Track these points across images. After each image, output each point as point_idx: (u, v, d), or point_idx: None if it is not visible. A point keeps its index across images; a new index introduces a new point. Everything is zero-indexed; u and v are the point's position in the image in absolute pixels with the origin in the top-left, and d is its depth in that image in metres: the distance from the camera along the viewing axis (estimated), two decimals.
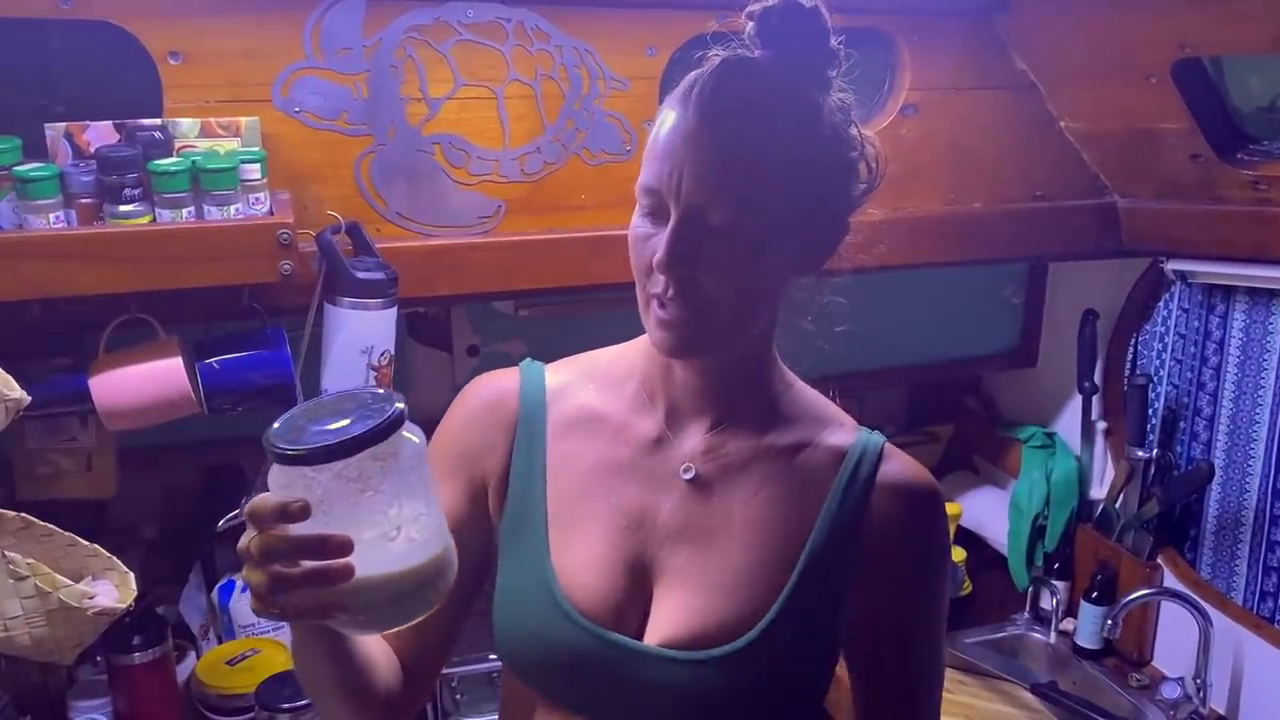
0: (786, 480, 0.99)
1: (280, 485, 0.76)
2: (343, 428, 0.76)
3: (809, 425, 1.02)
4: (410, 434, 0.80)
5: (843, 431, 1.03)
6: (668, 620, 0.96)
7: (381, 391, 0.81)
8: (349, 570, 0.75)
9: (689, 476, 1.00)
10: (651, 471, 1.01)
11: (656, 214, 0.91)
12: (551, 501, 1.02)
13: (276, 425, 0.78)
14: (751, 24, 0.93)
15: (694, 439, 1.01)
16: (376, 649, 1.00)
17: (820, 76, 0.93)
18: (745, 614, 0.95)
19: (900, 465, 1.02)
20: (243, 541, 0.77)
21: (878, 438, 1.03)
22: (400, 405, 0.78)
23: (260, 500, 0.76)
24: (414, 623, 0.82)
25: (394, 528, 0.78)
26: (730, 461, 1.00)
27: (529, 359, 1.11)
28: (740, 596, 0.95)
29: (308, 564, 0.75)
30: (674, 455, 1.01)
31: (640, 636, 0.97)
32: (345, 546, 0.74)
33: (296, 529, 0.74)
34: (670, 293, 0.90)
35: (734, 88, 0.89)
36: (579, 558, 0.99)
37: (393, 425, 0.76)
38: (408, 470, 0.79)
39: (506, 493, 1.03)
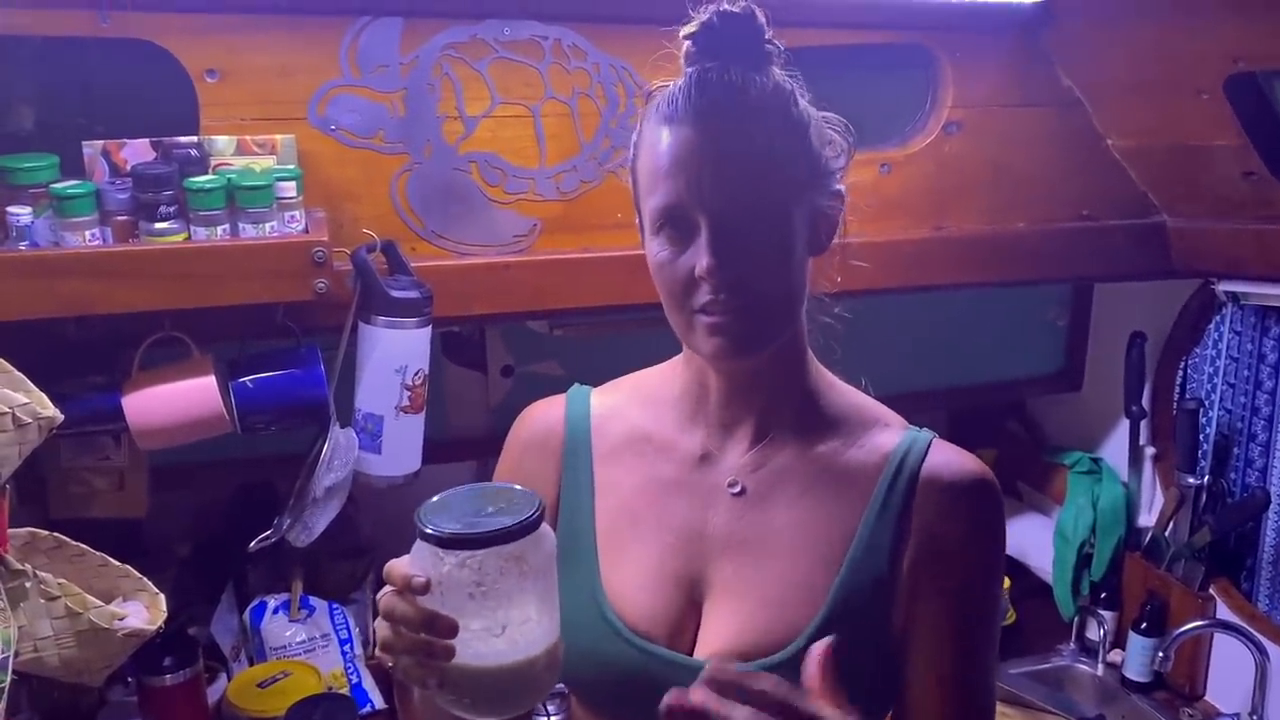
0: (830, 484, 0.98)
1: (417, 555, 0.82)
2: (476, 521, 0.81)
3: (853, 426, 1.02)
4: (537, 543, 0.83)
5: (889, 431, 1.01)
6: (716, 633, 0.97)
7: (527, 494, 0.85)
8: (450, 651, 0.80)
9: (735, 490, 1.00)
10: (698, 487, 1.02)
11: (679, 231, 0.92)
12: (600, 523, 1.04)
13: (434, 499, 0.84)
14: (689, 41, 0.94)
15: (738, 452, 1.02)
16: None
17: (764, 71, 0.94)
18: (790, 623, 0.94)
19: (947, 456, 0.99)
20: (380, 593, 0.84)
21: (926, 434, 1.01)
22: (534, 515, 0.82)
23: (395, 564, 0.83)
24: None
25: (500, 626, 0.82)
26: (775, 471, 1.00)
27: (576, 384, 1.13)
28: (785, 606, 0.95)
29: (419, 634, 0.81)
30: (720, 470, 1.02)
31: (693, 651, 0.97)
32: (450, 630, 0.80)
33: (419, 599, 0.81)
34: (722, 295, 0.90)
35: (717, 92, 0.91)
36: (629, 576, 1.00)
37: (520, 532, 0.81)
38: (526, 575, 0.82)
39: (557, 520, 1.05)
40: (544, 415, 1.11)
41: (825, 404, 1.03)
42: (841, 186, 0.99)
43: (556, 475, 1.07)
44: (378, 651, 0.84)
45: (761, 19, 0.94)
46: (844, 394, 1.05)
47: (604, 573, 1.01)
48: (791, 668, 0.92)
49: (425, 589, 0.80)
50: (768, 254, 0.91)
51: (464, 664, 0.81)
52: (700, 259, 0.89)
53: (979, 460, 1.00)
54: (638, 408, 1.08)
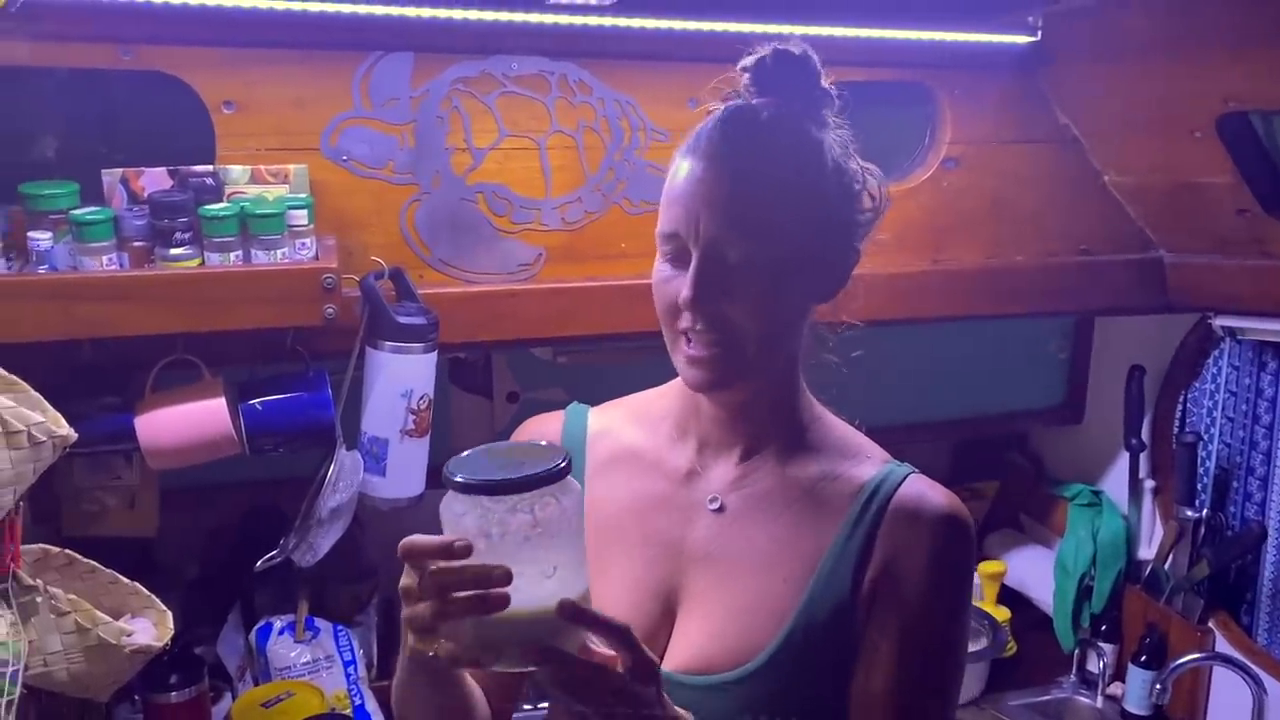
0: (806, 509, 1.01)
1: (455, 515, 0.82)
2: (521, 466, 0.81)
3: (834, 457, 1.04)
4: (572, 486, 0.85)
5: (869, 464, 1.04)
6: (684, 646, 1.00)
7: (545, 444, 0.87)
8: (505, 599, 0.79)
9: (714, 507, 1.03)
10: (681, 503, 1.05)
11: (677, 257, 0.96)
12: (589, 536, 1.04)
13: (453, 462, 0.83)
14: (746, 75, 0.98)
15: (722, 471, 1.05)
16: (475, 688, 1.05)
17: (816, 116, 0.98)
18: (753, 639, 0.97)
19: (919, 489, 1.00)
20: (403, 581, 0.83)
21: (905, 468, 1.03)
22: (568, 457, 0.83)
23: (416, 539, 0.81)
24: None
25: (551, 566, 0.83)
26: (755, 492, 1.03)
27: (575, 402, 1.17)
28: (750, 622, 0.98)
29: (467, 593, 0.79)
30: (703, 487, 1.05)
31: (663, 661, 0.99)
32: (506, 577, 0.79)
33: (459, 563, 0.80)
34: (699, 326, 0.94)
35: (737, 132, 0.95)
36: (610, 587, 1.03)
37: (567, 469, 0.82)
38: (571, 515, 0.84)
39: None
40: (541, 429, 1.14)
41: (812, 434, 1.05)
42: (860, 245, 1.01)
43: None
44: (416, 644, 0.83)
45: (816, 63, 0.97)
46: (832, 426, 1.07)
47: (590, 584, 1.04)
48: (752, 683, 0.96)
49: (468, 552, 0.79)
50: (751, 294, 0.93)
51: (519, 610, 0.80)
52: (685, 288, 0.93)
53: (953, 497, 1.01)
54: (632, 425, 1.11)
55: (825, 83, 0.98)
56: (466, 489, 0.81)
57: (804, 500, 1.02)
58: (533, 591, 0.81)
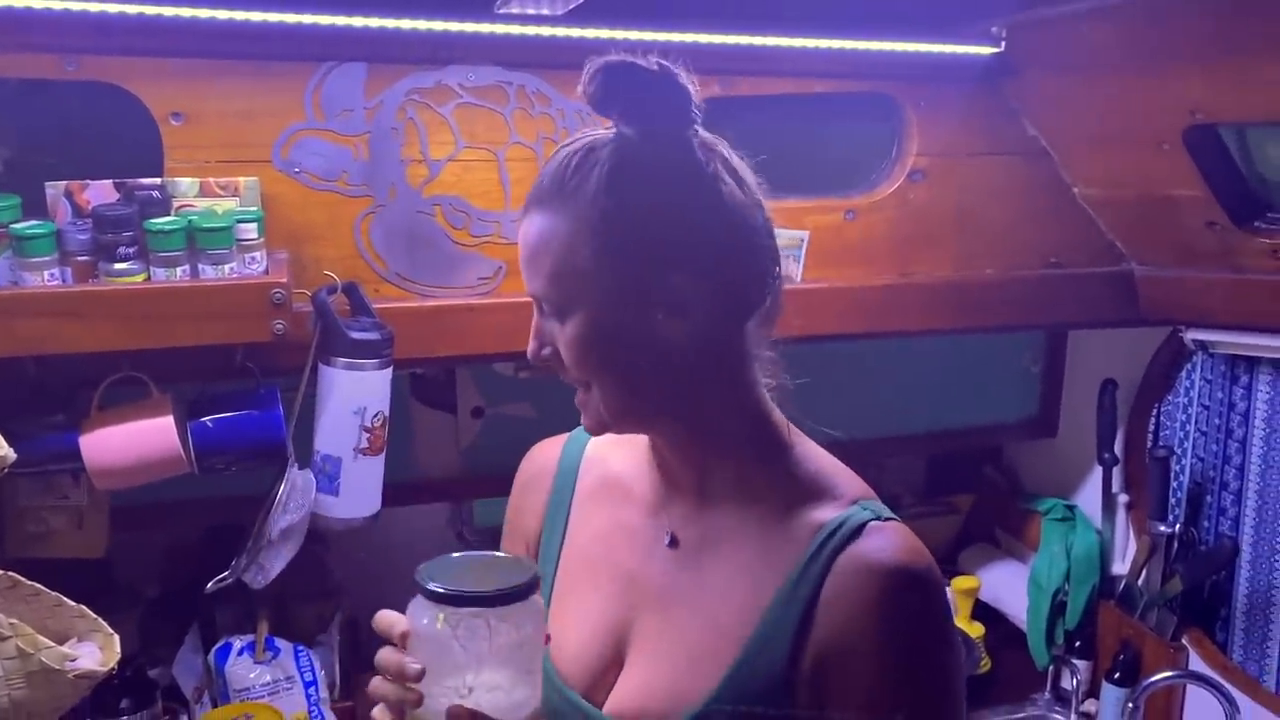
0: (757, 552, 0.93)
1: (413, 606, 0.86)
2: (479, 580, 0.85)
3: (800, 494, 0.93)
4: (518, 614, 0.85)
5: (834, 505, 0.91)
6: (626, 688, 0.96)
7: (529, 567, 0.89)
8: (417, 697, 0.83)
9: (667, 541, 0.99)
10: (645, 536, 1.01)
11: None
12: (563, 564, 1.04)
13: (452, 555, 0.89)
14: (585, 95, 0.87)
15: (681, 503, 1.00)
16: None
17: (680, 139, 0.88)
18: (691, 689, 0.92)
19: (877, 542, 0.87)
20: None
21: (864, 514, 0.89)
22: (517, 587, 0.84)
23: (381, 614, 0.87)
24: None
25: (466, 688, 0.84)
26: (710, 528, 0.97)
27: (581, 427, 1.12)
28: (687, 671, 0.93)
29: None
30: (663, 520, 1.00)
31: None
32: (415, 675, 0.82)
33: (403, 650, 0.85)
34: (563, 376, 0.94)
35: (550, 171, 0.92)
36: (571, 620, 1.00)
37: (497, 600, 0.83)
38: (499, 643, 0.84)
39: (539, 555, 1.07)
40: (541, 454, 1.13)
41: (779, 465, 0.95)
42: (770, 243, 0.92)
43: (541, 512, 1.08)
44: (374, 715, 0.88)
45: (674, 76, 0.84)
46: (805, 459, 0.96)
47: (553, 615, 1.00)
48: None
49: (403, 640, 0.84)
50: (567, 335, 0.90)
51: (434, 715, 0.83)
52: None
53: (918, 552, 0.88)
54: (621, 451, 1.06)
55: (696, 102, 0.86)
56: (418, 588, 0.85)
57: (755, 543, 0.92)
58: (446, 705, 0.84)
